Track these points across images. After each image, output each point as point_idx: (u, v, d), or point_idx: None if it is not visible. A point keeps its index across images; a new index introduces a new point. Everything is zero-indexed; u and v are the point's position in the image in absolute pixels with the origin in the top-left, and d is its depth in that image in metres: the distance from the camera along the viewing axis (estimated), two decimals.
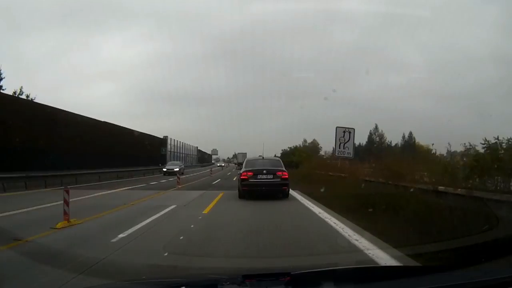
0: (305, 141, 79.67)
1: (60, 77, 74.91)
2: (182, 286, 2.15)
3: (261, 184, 11.11)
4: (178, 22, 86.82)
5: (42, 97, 60.71)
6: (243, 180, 11.36)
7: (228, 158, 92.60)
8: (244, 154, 44.98)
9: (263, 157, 13.57)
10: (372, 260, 4.32)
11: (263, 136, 77.94)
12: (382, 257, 4.41)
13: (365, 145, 62.18)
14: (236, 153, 58.20)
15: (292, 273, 2.17)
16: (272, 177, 11.24)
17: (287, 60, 71.75)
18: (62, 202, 6.85)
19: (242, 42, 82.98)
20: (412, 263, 4.05)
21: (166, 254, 4.66)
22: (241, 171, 12.02)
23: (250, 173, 11.32)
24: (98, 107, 72.02)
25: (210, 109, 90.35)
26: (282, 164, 12.38)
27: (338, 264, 3.79)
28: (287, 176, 11.44)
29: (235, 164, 50.19)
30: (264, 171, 11.30)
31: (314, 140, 73.53)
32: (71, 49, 77.62)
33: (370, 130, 66.33)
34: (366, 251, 4.73)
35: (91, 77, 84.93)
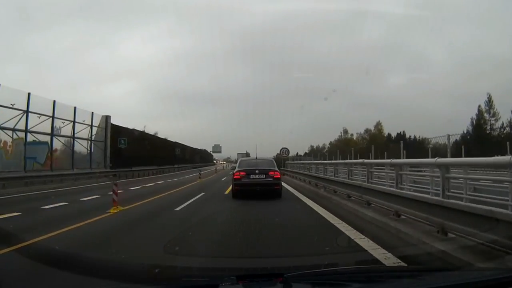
0: (345, 131, 66.95)
1: (76, 76, 76.71)
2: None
3: (253, 184, 11.62)
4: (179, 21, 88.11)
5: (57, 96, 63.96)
6: (235, 179, 11.92)
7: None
8: (244, 154, 45.20)
9: (256, 157, 15.57)
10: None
11: (274, 136, 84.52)
12: None
13: (471, 131, 44.50)
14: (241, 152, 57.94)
15: (285, 274, 2.22)
16: (264, 176, 11.84)
17: (299, 59, 75.05)
18: None
19: (258, 41, 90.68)
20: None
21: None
22: (234, 171, 12.51)
23: (242, 173, 11.91)
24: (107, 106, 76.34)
25: (221, 109, 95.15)
26: (275, 164, 13.29)
27: (338, 265, 3.93)
28: (279, 176, 12.33)
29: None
30: (257, 171, 11.95)
31: (378, 122, 66.86)
32: (88, 46, 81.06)
33: (479, 107, 47.19)
34: None
35: (105, 75, 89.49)
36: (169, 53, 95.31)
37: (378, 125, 72.29)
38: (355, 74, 79.86)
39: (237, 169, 12.42)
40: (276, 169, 12.46)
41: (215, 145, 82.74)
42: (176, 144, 52.57)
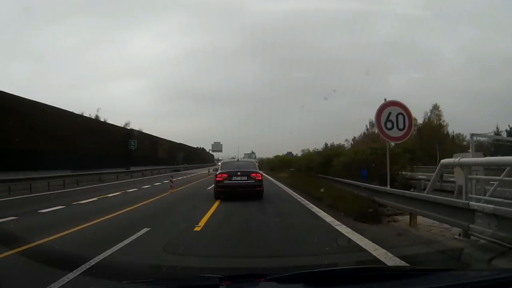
0: (372, 124, 54.53)
1: (78, 74, 73.45)
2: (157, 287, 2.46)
3: (235, 186, 11.72)
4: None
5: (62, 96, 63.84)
6: (218, 181, 11.95)
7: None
8: (250, 155, 47.41)
9: (238, 159, 16.42)
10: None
11: (278, 136, 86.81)
12: None
13: None
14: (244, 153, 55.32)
15: (268, 277, 2.22)
16: (246, 178, 11.89)
17: (304, 57, 70.84)
18: None
19: (261, 41, 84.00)
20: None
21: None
22: (216, 173, 12.51)
23: (225, 175, 11.96)
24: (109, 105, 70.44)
25: (224, 109, 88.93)
26: (257, 166, 13.33)
27: (338, 265, 3.89)
28: (260, 178, 12.29)
29: None
30: (239, 173, 11.99)
31: (435, 105, 49.56)
32: (93, 44, 76.48)
33: None
34: None
35: (108, 74, 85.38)
36: (171, 53, 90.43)
37: (435, 110, 51.51)
38: (358, 71, 74.87)
39: (219, 171, 12.42)
40: (258, 171, 12.59)
41: (214, 143, 72.44)
42: (132, 134, 32.54)
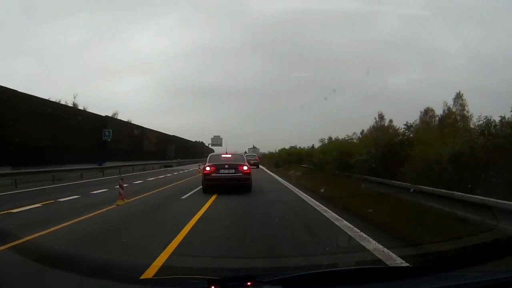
0: (381, 116, 54.28)
1: (79, 71, 72.16)
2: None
3: (222, 179, 11.56)
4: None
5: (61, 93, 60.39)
6: (205, 174, 11.88)
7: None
8: (255, 150, 49.70)
9: (226, 152, 15.37)
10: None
11: (280, 131, 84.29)
12: None
13: None
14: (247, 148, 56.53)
15: (256, 278, 2.17)
16: (234, 171, 11.76)
17: (308, 53, 67.84)
18: None
19: (261, 40, 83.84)
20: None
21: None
22: (204, 166, 12.56)
23: (212, 168, 11.84)
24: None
25: (227, 105, 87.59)
26: (245, 159, 13.19)
27: (338, 265, 3.83)
28: (249, 171, 12.02)
29: None
30: (226, 166, 11.85)
31: (459, 94, 44.72)
32: (94, 41, 73.37)
33: None
34: None
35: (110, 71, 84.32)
36: (173, 49, 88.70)
37: (458, 99, 45.92)
38: (360, 69, 72.41)
39: (207, 164, 12.36)
40: (246, 164, 12.31)
41: (214, 136, 69.01)
42: (107, 122, 26.94)
